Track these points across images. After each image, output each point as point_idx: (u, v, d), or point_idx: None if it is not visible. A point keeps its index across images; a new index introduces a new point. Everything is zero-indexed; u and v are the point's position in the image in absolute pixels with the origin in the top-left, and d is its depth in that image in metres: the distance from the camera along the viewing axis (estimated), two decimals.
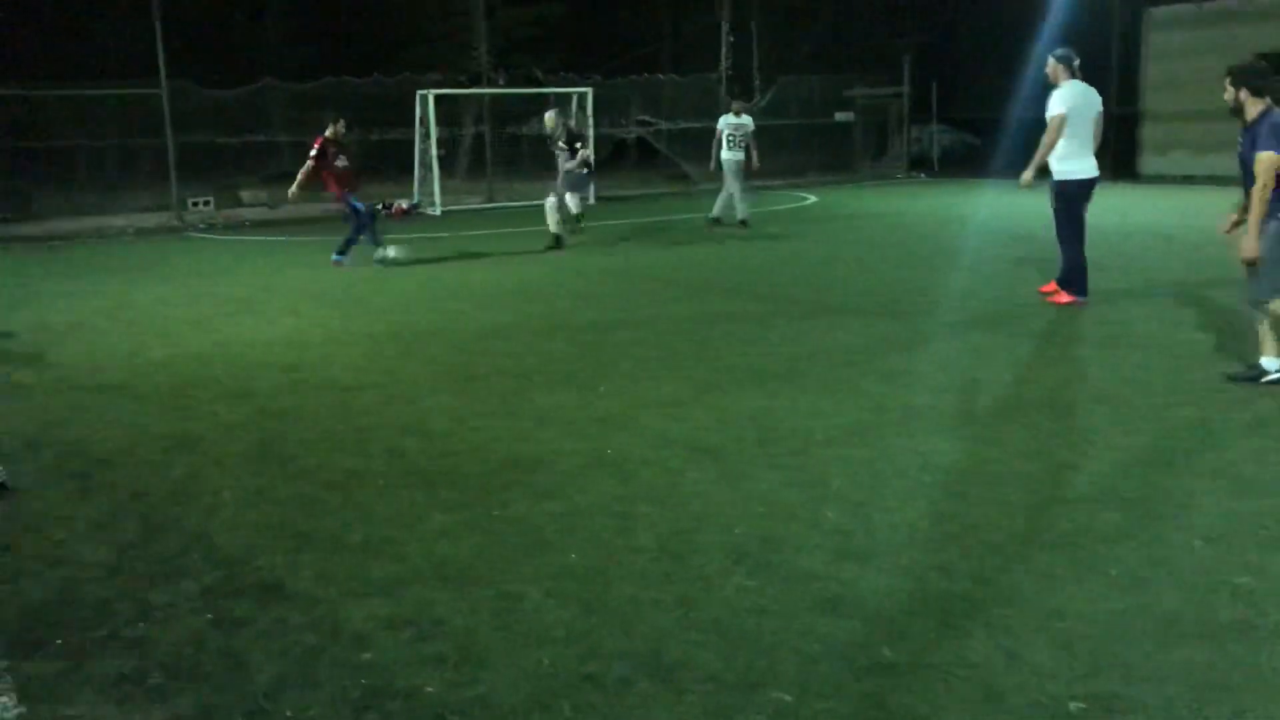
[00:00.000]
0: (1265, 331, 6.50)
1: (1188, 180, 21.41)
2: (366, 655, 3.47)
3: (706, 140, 17.24)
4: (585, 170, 14.41)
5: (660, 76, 27.18)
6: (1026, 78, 27.73)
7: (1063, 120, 8.90)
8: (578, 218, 14.26)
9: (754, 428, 5.88)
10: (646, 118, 26.17)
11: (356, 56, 26.83)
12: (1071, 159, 8.98)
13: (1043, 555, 4.11)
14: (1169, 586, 3.79)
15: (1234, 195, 6.93)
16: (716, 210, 16.39)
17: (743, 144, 16.12)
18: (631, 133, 26.58)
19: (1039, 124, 9.11)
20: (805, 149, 28.64)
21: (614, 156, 26.19)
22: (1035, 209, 14.33)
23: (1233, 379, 6.60)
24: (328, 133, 12.82)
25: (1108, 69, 22.83)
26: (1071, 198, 9.09)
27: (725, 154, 16.13)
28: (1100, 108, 9.09)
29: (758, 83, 27.89)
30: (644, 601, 3.79)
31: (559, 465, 5.32)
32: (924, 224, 16.91)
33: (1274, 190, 6.31)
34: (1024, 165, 9.20)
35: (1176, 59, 25.17)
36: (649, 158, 28.36)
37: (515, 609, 3.75)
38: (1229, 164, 7.91)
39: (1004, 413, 6.11)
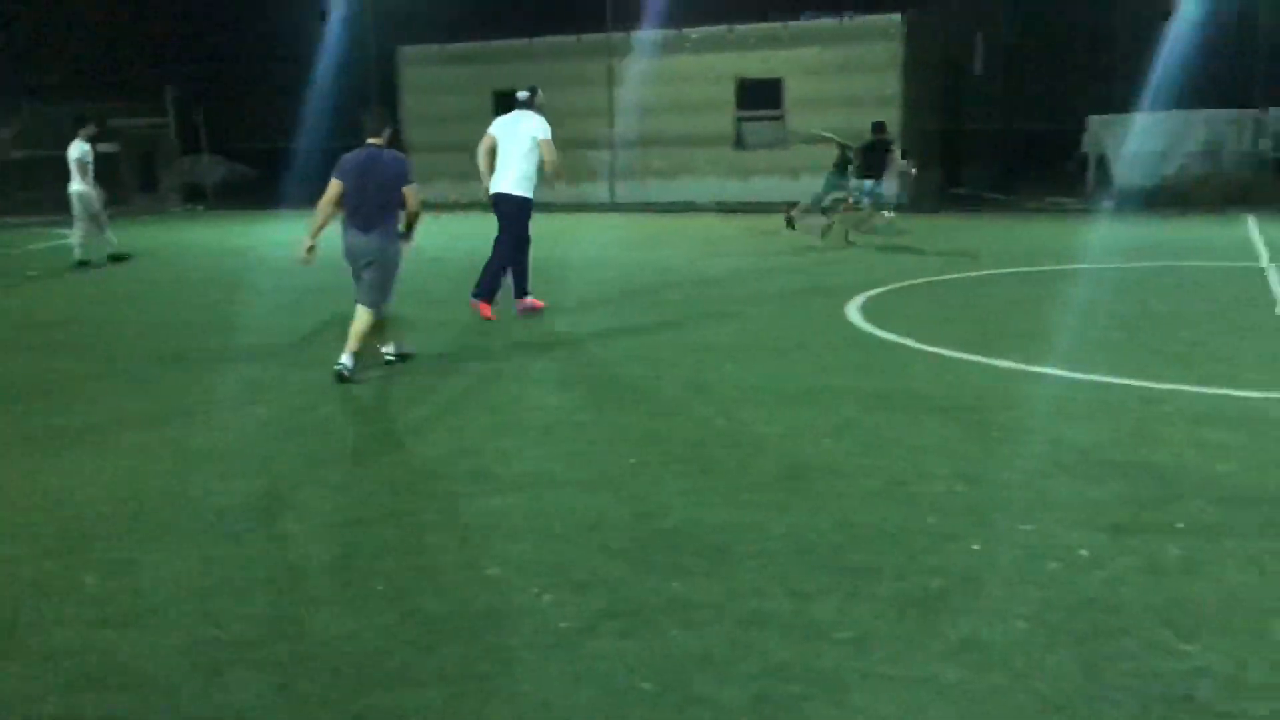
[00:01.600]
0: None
1: (450, 209, 22.95)
2: None
3: None
4: None
5: None
6: (306, 109, 28.26)
7: (491, 142, 10.00)
8: None
9: None
10: None
11: None
12: (495, 176, 10.02)
13: (314, 583, 4.15)
14: (430, 591, 4.03)
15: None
16: (81, 252, 14.91)
17: (92, 173, 14.55)
18: None
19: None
20: (62, 182, 26.62)
21: None
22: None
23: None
24: None
25: (368, 103, 23.86)
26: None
27: (78, 186, 14.48)
28: (530, 134, 9.82)
29: None
30: None
31: None
32: (215, 257, 16.54)
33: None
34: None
35: (430, 94, 27.17)
36: None
37: None
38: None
39: (273, 447, 6.11)
